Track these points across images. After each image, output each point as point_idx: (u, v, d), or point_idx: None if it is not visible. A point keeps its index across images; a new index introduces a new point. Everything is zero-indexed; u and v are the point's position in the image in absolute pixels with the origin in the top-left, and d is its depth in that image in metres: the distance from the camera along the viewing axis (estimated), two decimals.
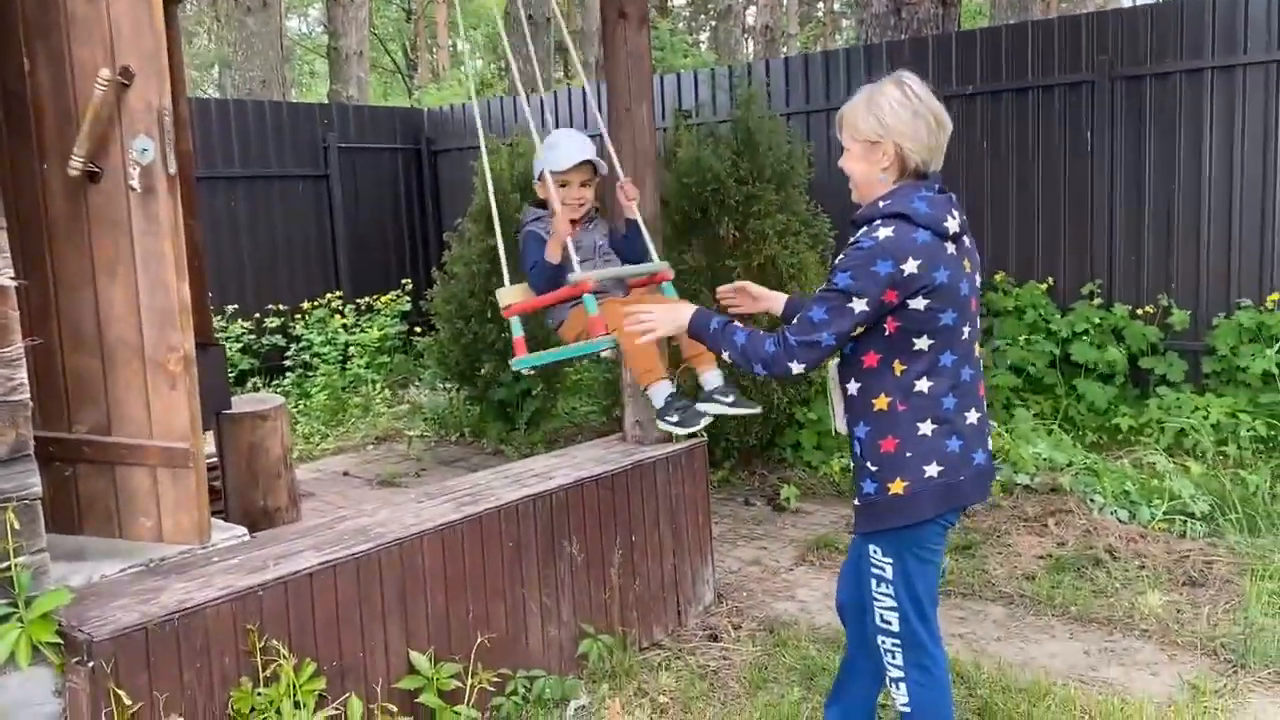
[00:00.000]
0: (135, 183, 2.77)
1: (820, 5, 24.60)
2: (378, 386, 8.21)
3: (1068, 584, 4.23)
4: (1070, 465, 5.49)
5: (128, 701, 2.45)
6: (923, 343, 2.46)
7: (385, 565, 3.02)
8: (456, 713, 2.96)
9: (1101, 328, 6.31)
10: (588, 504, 3.65)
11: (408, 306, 9.12)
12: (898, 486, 2.49)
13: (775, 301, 2.94)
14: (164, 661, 2.54)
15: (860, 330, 2.45)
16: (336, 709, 2.81)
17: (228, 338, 8.13)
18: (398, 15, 27.68)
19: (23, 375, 2.47)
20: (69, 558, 2.86)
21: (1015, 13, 14.29)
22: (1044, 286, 6.65)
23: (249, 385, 8.25)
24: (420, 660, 3.05)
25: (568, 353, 3.14)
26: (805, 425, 6.00)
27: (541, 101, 9.20)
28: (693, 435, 4.09)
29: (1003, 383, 6.26)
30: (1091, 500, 5.06)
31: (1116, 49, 6.37)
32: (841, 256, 2.48)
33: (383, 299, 9.05)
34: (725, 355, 2.65)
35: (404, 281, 9.39)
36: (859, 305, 2.39)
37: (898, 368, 2.48)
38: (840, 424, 2.73)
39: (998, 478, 5.45)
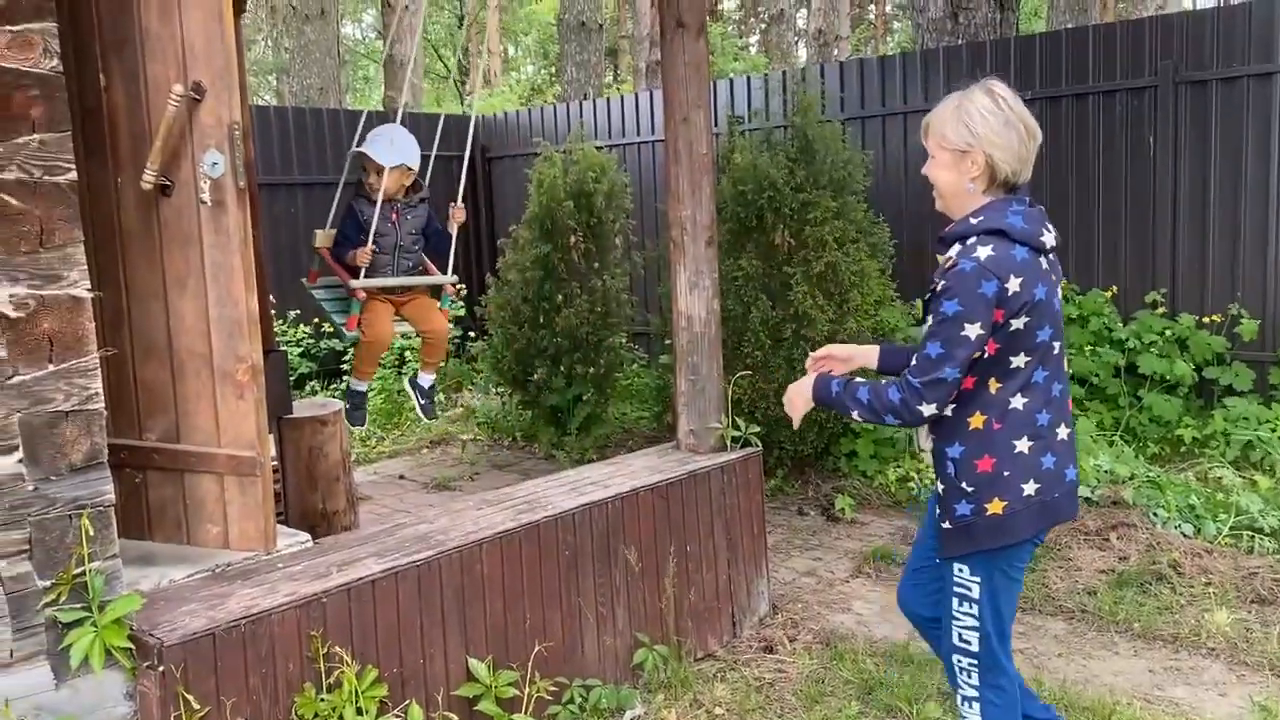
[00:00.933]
0: (206, 196, 2.82)
1: (872, 7, 24.40)
2: (437, 391, 8.28)
3: (1131, 600, 4.17)
4: (1133, 478, 5.40)
5: (196, 705, 2.50)
6: (1019, 360, 2.43)
7: (445, 573, 3.05)
8: None
9: (1167, 337, 6.20)
10: (643, 513, 3.65)
11: (461, 311, 9.18)
12: (996, 507, 2.45)
13: (866, 357, 2.85)
14: (231, 666, 2.58)
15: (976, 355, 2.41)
16: (398, 715, 2.84)
17: (288, 342, 8.26)
18: (450, 21, 27.93)
19: (98, 385, 2.52)
20: (138, 563, 2.91)
21: (1073, 15, 14.08)
22: (1108, 294, 6.55)
23: (307, 389, 8.37)
24: (479, 668, 3.07)
25: (330, 309, 4.30)
26: (861, 434, 5.95)
27: (595, 107, 9.29)
28: (746, 444, 4.12)
29: (1073, 393, 6.13)
30: (1155, 514, 4.96)
31: (1181, 53, 6.25)
32: (942, 282, 2.42)
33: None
34: (855, 415, 2.59)
35: (459, 286, 9.44)
36: (973, 330, 2.36)
37: (993, 386, 2.45)
38: (925, 441, 2.66)
39: None
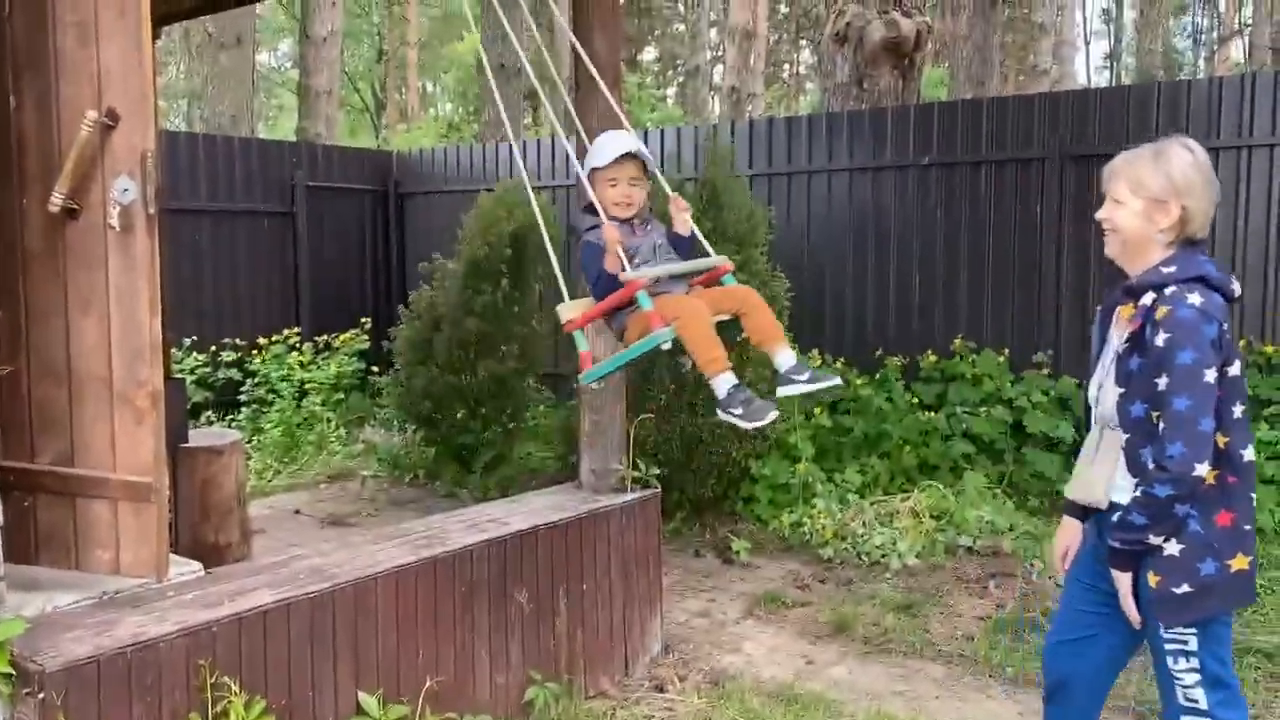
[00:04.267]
0: (114, 221, 2.79)
1: (787, 67, 25.16)
2: (332, 424, 8.18)
3: (1005, 645, 4.25)
4: (1012, 529, 5.59)
5: None
6: (1239, 410, 2.34)
7: (339, 605, 3.01)
8: None
9: (1051, 397, 6.43)
10: (541, 551, 3.65)
11: (366, 345, 9.11)
12: (1241, 562, 2.32)
13: (1073, 536, 2.72)
14: (115, 695, 2.52)
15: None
16: None
17: (182, 370, 8.08)
18: (369, 55, 27.84)
19: None
20: (23, 588, 2.83)
21: (973, 86, 14.68)
22: (1001, 357, 6.73)
23: (202, 419, 8.18)
24: (369, 701, 3.03)
25: (629, 354, 2.90)
26: (759, 480, 6.05)
27: (511, 149, 9.35)
28: (646, 485, 4.13)
29: (962, 450, 6.33)
30: (1031, 564, 5.13)
31: (1068, 128, 6.58)
32: (1162, 335, 2.29)
33: (342, 337, 9.03)
34: (1154, 538, 2.32)
35: (364, 320, 9.39)
36: (1210, 375, 2.25)
37: (1221, 440, 2.32)
38: (1108, 494, 2.52)
39: (940, 539, 5.55)
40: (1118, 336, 2.48)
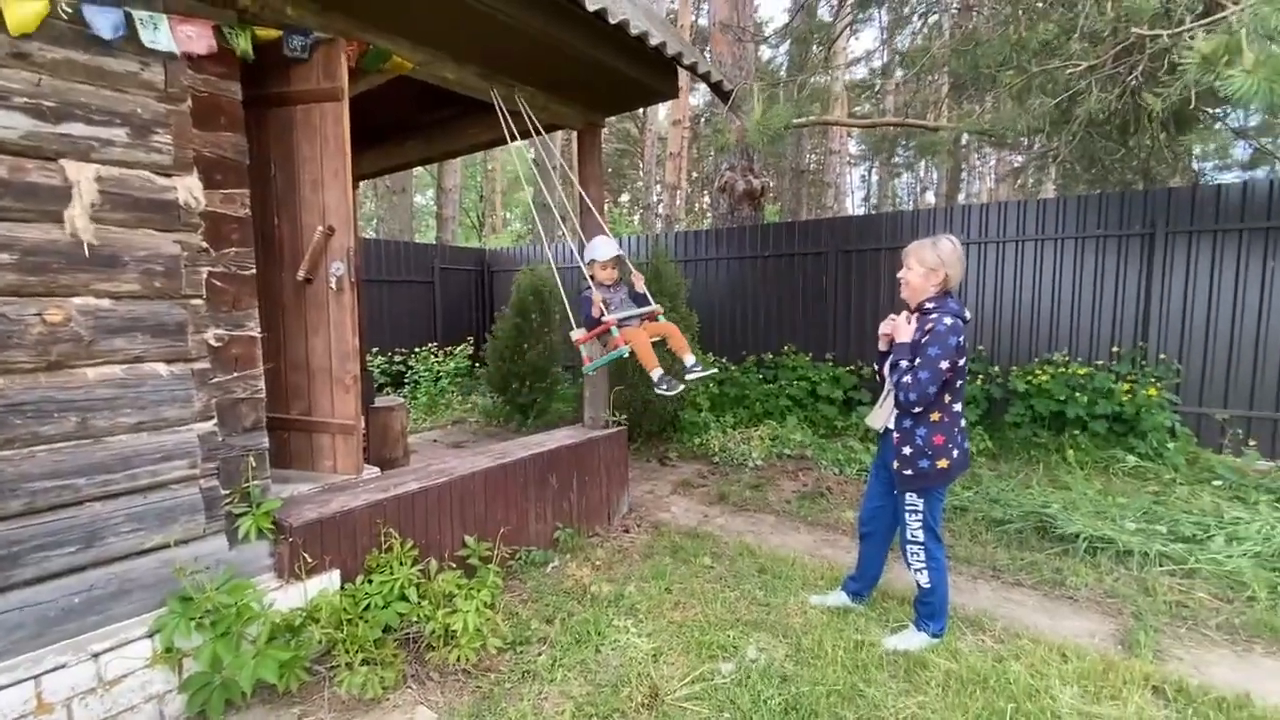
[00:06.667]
0: (332, 285, 2.78)
1: (697, 202, 25.19)
2: (454, 394, 8.10)
3: (808, 506, 4.29)
4: (810, 444, 5.64)
5: (309, 560, 2.44)
6: (956, 382, 2.29)
7: (454, 489, 3.02)
8: (489, 569, 2.97)
9: (831, 376, 6.45)
10: (564, 458, 3.65)
11: (471, 350, 9.04)
12: (943, 464, 2.30)
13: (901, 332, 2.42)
14: (330, 538, 2.53)
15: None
16: (423, 566, 2.81)
17: (373, 365, 7.96)
18: (474, 195, 27.46)
19: (262, 384, 2.47)
20: (280, 481, 2.83)
21: (790, 213, 14.78)
22: (807, 355, 6.72)
23: (384, 391, 8.06)
24: (469, 540, 3.05)
25: (608, 358, 2.90)
26: (681, 422, 6.02)
27: (544, 246, 9.35)
28: (619, 425, 4.14)
29: (786, 404, 6.32)
30: (821, 463, 5.18)
31: (844, 236, 6.56)
32: (926, 337, 2.23)
33: (458, 347, 8.95)
34: (905, 371, 2.26)
35: (469, 338, 9.30)
36: (944, 365, 2.21)
37: (946, 397, 2.29)
38: (883, 422, 2.42)
39: (774, 449, 5.58)
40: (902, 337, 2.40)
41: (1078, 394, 5.19)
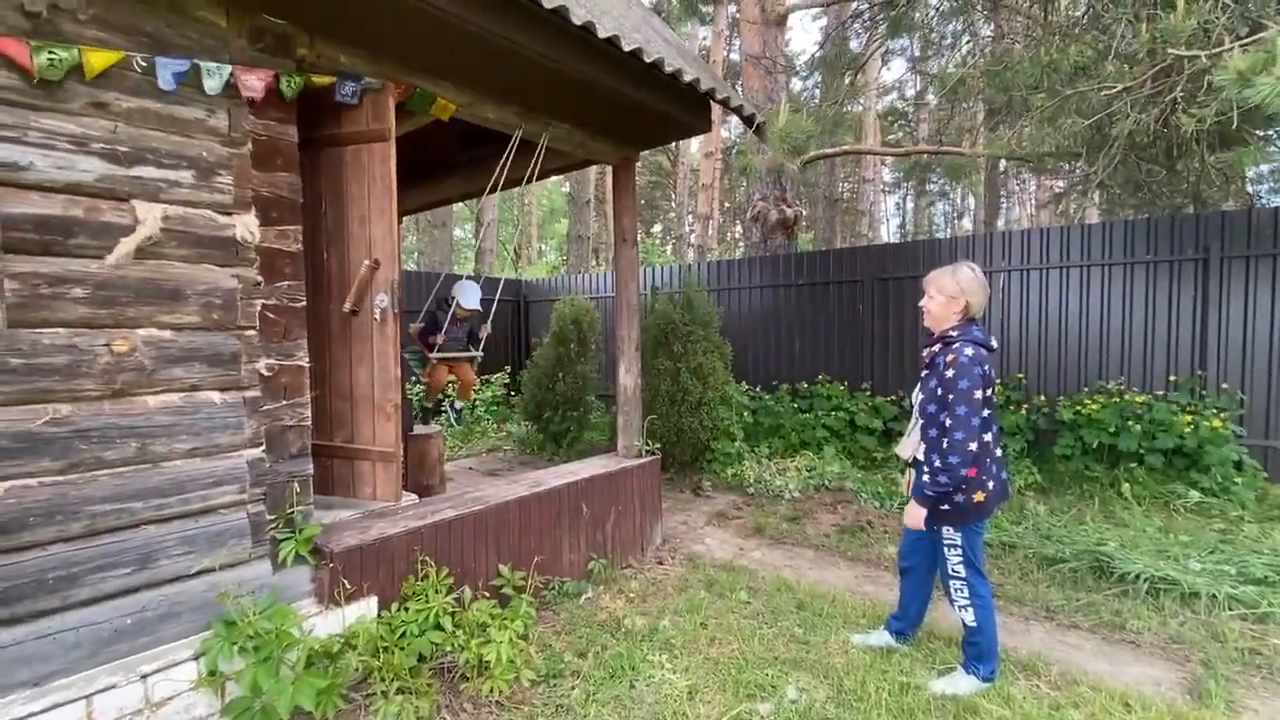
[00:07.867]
0: (376, 316, 2.85)
1: (729, 232, 25.28)
2: (491, 422, 8.17)
3: (847, 540, 4.19)
4: (849, 476, 5.49)
5: (348, 585, 2.46)
6: (985, 413, 2.21)
7: (490, 517, 3.02)
8: (522, 598, 2.94)
9: (868, 405, 6.31)
10: (597, 488, 3.64)
11: (508, 380, 9.14)
12: (980, 496, 2.24)
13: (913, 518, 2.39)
14: (369, 565, 2.54)
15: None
16: (457, 594, 2.81)
17: (413, 395, 8.09)
18: (512, 229, 28.18)
19: (308, 412, 2.53)
20: (323, 508, 2.87)
21: (824, 242, 14.71)
22: (843, 385, 6.59)
23: (418, 421, 8.18)
24: (504, 569, 3.04)
25: (413, 363, 3.82)
26: (715, 451, 5.94)
27: (584, 277, 9.46)
28: (652, 454, 4.13)
29: (824, 434, 6.20)
30: (861, 496, 5.04)
31: (880, 264, 6.49)
32: (950, 371, 2.15)
33: (495, 376, 9.06)
34: (942, 478, 2.17)
35: (506, 367, 9.41)
36: (979, 393, 2.15)
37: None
38: (911, 451, 2.37)
39: (811, 481, 5.46)
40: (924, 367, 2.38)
41: (1131, 424, 4.94)
